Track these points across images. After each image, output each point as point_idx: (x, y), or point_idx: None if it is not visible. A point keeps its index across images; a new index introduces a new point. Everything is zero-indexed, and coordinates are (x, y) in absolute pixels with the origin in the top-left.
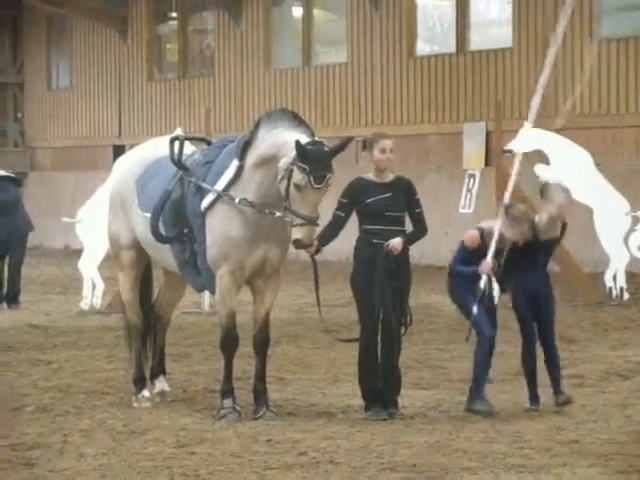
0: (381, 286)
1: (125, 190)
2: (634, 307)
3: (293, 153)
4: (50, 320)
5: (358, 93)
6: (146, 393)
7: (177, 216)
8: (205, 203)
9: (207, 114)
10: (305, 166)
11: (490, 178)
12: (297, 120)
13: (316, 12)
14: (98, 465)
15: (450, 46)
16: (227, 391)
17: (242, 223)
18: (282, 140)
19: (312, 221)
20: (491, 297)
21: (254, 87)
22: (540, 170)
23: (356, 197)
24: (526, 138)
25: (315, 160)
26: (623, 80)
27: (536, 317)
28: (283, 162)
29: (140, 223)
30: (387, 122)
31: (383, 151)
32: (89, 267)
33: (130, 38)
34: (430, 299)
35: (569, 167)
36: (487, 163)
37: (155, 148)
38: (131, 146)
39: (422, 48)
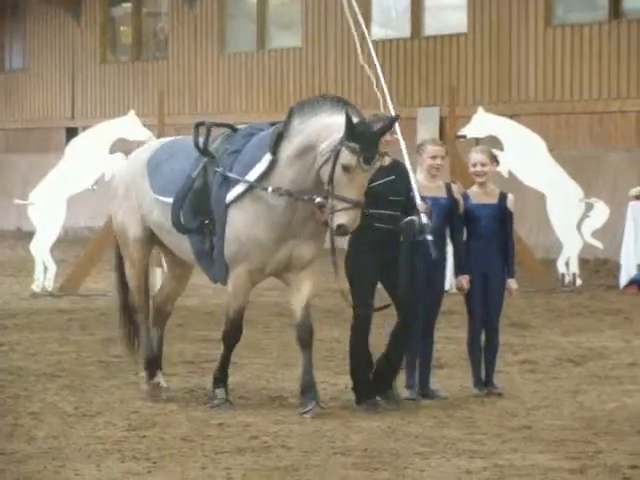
0: (406, 265)
1: (130, 177)
2: (587, 293)
3: (338, 135)
4: (1, 302)
5: (313, 77)
6: (162, 381)
7: (199, 206)
8: (232, 195)
9: (160, 97)
10: (355, 145)
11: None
12: (341, 103)
13: None
14: (48, 448)
15: (405, 31)
16: (221, 380)
17: (269, 221)
18: (322, 125)
19: (358, 204)
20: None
21: (208, 71)
22: None
23: None
24: (480, 124)
25: (365, 140)
26: (577, 66)
27: (484, 303)
28: (326, 145)
29: (154, 207)
30: None
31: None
32: (41, 249)
33: (84, 20)
34: None
35: (522, 153)
36: None
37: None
38: (84, 128)
39: (377, 32)
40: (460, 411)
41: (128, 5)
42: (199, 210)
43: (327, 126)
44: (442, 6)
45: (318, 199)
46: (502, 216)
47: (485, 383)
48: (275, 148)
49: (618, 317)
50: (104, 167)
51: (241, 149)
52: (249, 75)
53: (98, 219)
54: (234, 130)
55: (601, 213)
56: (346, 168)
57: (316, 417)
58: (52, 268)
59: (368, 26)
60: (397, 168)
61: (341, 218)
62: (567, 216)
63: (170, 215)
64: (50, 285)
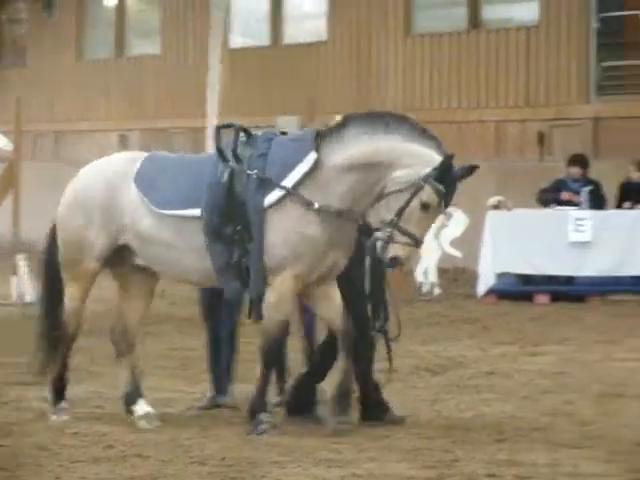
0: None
1: (109, 194)
2: (445, 302)
3: (423, 169)
4: None
5: (171, 84)
6: (148, 408)
7: (231, 212)
8: (271, 199)
9: (18, 104)
10: (442, 187)
11: None
12: (419, 130)
13: (129, 2)
14: None
15: (264, 39)
16: (264, 404)
17: (321, 222)
18: (401, 149)
19: (419, 244)
20: None
21: (66, 78)
22: None
23: None
24: None
25: (451, 184)
26: (436, 76)
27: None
28: (404, 174)
29: (153, 222)
30: (202, 115)
31: None
32: None
33: None
34: None
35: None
36: None
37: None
38: None
39: (236, 41)
40: (318, 421)
41: None
42: (231, 216)
43: (410, 154)
44: (302, 14)
45: (381, 229)
46: None
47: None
48: (319, 149)
49: (476, 326)
50: None
51: (267, 152)
52: (108, 82)
53: None
54: (248, 135)
55: (459, 222)
56: (425, 206)
57: (173, 426)
58: None
59: (227, 34)
60: None
61: (399, 251)
62: None
63: (199, 227)
64: None
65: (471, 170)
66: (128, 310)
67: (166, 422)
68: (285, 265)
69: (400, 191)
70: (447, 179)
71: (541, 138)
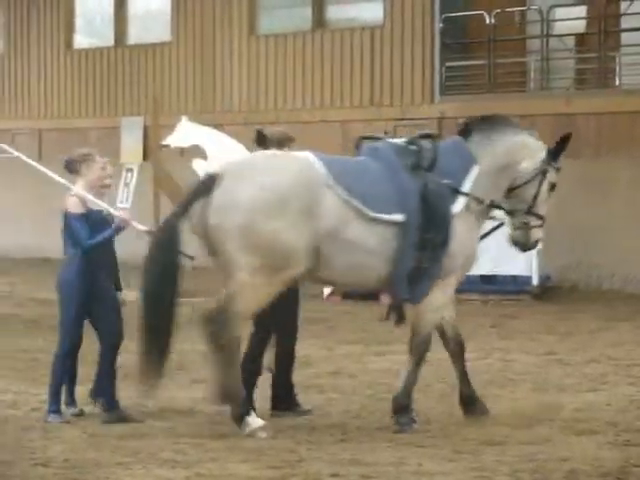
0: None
1: (310, 195)
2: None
3: (540, 154)
4: None
5: (15, 85)
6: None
7: (428, 219)
8: (458, 207)
9: None
10: (559, 166)
11: (148, 172)
12: (513, 123)
13: None
14: None
15: (109, 39)
16: (410, 403)
17: (478, 230)
18: (517, 144)
19: (545, 222)
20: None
21: None
22: (197, 165)
23: None
24: (183, 133)
25: (561, 159)
26: (281, 76)
27: None
28: (528, 165)
29: (362, 226)
30: (45, 116)
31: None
32: None
33: None
34: None
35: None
36: (145, 158)
37: None
38: None
39: (80, 41)
40: (163, 421)
41: None
42: (429, 224)
43: (525, 146)
44: (146, 15)
45: (514, 221)
46: None
47: None
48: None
49: (321, 326)
50: None
51: (434, 162)
52: None
53: None
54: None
55: None
56: (553, 187)
57: (15, 427)
58: None
59: (72, 34)
60: None
61: (539, 233)
62: None
63: (397, 232)
64: None
65: (567, 139)
66: None
67: (10, 424)
68: (456, 269)
69: (530, 181)
70: (559, 157)
71: None
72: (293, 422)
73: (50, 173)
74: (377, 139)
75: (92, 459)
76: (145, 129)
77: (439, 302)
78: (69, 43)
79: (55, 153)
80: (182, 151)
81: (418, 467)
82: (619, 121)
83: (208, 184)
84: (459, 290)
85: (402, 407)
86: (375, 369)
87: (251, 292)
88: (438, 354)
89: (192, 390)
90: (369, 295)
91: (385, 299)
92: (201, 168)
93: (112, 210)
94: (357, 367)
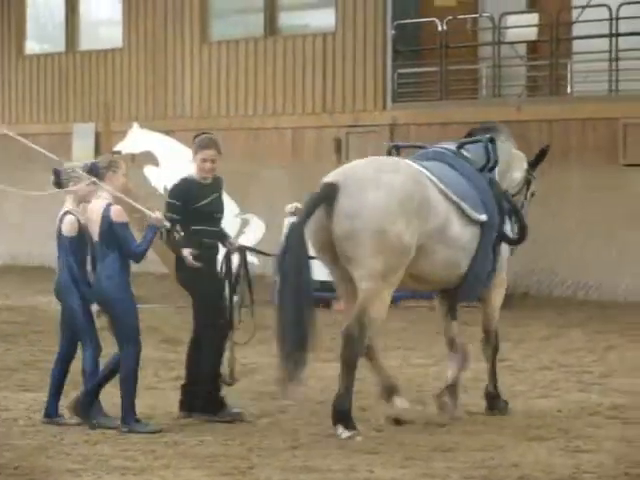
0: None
1: (423, 197)
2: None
3: (523, 164)
4: None
5: None
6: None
7: (501, 220)
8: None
9: None
10: (535, 176)
11: None
12: (499, 129)
13: None
14: None
15: (60, 45)
16: (499, 392)
17: None
18: (511, 153)
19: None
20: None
21: None
22: (149, 172)
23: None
24: (135, 139)
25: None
26: (233, 83)
27: None
28: (519, 175)
29: (461, 226)
30: None
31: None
32: None
33: None
34: (36, 300)
35: (178, 169)
36: None
37: None
38: None
39: (32, 47)
40: (113, 429)
41: None
42: (499, 226)
43: (514, 156)
44: (97, 21)
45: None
46: None
47: None
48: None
49: (269, 332)
50: None
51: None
52: None
53: None
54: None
55: (257, 229)
56: (533, 195)
57: None
58: None
59: (23, 40)
60: (218, 184)
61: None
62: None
63: (479, 233)
64: None
65: (546, 152)
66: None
67: None
68: (504, 268)
69: (522, 188)
70: (537, 167)
71: (338, 144)
72: (244, 429)
73: (39, 149)
74: (418, 147)
75: (42, 466)
76: (97, 135)
77: (500, 299)
78: (20, 49)
79: (3, 158)
80: (133, 157)
81: (369, 474)
82: (571, 128)
83: (328, 192)
84: (407, 297)
85: (495, 396)
86: (326, 376)
87: (380, 297)
88: (390, 360)
89: (144, 397)
90: (320, 301)
91: (338, 306)
92: (153, 174)
93: (147, 211)
94: (308, 374)
